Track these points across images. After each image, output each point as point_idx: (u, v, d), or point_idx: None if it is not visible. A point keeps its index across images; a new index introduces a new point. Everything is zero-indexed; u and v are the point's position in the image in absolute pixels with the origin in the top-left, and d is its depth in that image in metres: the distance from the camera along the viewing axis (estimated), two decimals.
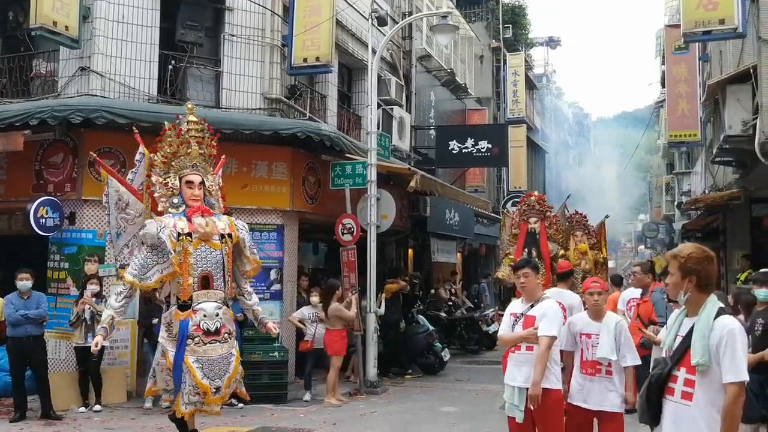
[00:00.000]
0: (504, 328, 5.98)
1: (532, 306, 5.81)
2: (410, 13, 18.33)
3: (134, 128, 7.63)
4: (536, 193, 13.07)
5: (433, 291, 18.91)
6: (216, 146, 7.03)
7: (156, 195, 6.67)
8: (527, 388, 5.56)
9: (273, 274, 12.30)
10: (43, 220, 10.66)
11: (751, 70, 11.91)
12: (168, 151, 6.73)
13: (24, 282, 9.47)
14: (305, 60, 12.71)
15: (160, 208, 6.62)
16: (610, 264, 41.18)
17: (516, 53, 29.54)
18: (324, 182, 13.32)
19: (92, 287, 9.92)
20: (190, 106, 7.04)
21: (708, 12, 12.48)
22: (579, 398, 5.79)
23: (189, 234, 6.41)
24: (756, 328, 7.11)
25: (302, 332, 11.30)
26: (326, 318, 11.13)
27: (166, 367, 6.51)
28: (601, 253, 15.34)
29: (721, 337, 3.51)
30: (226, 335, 6.55)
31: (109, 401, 10.39)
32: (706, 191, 19.97)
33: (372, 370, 12.18)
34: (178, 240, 6.36)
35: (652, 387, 3.69)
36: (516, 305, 6.05)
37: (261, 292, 12.11)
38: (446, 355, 14.28)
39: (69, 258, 11.08)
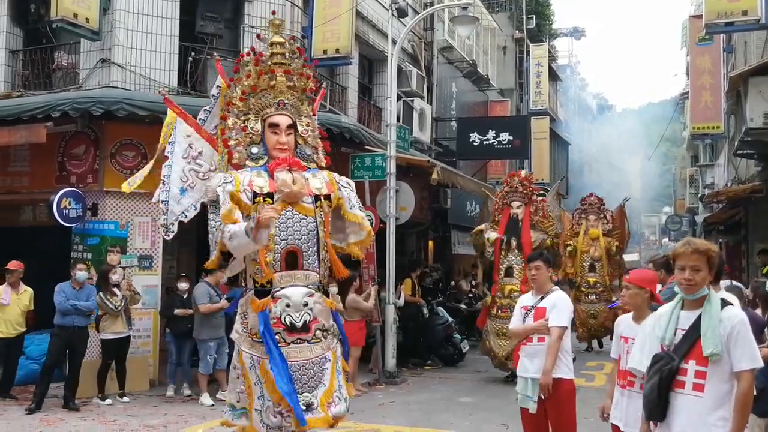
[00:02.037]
0: (515, 321, 6.04)
1: (542, 298, 5.85)
2: (431, 4, 18.29)
3: (217, 59, 6.91)
4: (523, 172, 12.45)
5: (453, 283, 18.91)
6: (312, 77, 5.50)
7: (231, 143, 5.22)
8: (539, 379, 5.60)
9: None
10: (66, 211, 10.78)
11: None
12: (246, 84, 5.28)
13: (82, 272, 9.68)
14: (325, 52, 12.76)
15: (235, 160, 5.22)
16: (634, 257, 40.97)
17: (539, 44, 29.35)
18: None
19: (115, 276, 10.03)
20: (277, 22, 5.53)
21: (731, 3, 12.36)
22: (616, 416, 4.91)
23: (270, 194, 4.92)
24: None
25: None
26: (344, 309, 11.19)
27: (240, 373, 5.06)
28: (616, 240, 14.98)
29: (732, 326, 3.59)
30: (318, 333, 4.99)
31: (132, 389, 10.52)
32: (729, 184, 19.78)
33: (391, 361, 12.23)
34: (254, 202, 4.87)
35: (663, 382, 3.70)
36: (526, 298, 6.09)
37: None
38: (465, 346, 14.29)
39: (92, 248, 11.21)
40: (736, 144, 15.55)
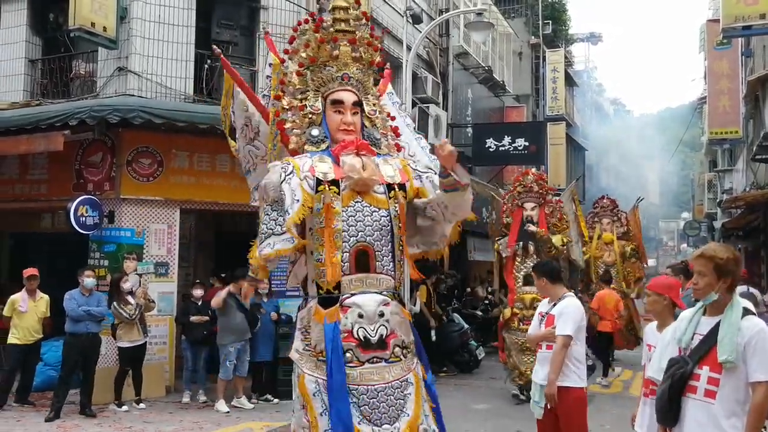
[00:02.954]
0: (532, 327, 6.09)
1: (554, 305, 5.85)
2: (447, 10, 18.30)
3: (266, 31, 6.21)
4: (533, 170, 11.68)
5: (469, 289, 18.84)
6: (381, 48, 4.72)
7: (287, 125, 4.47)
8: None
9: None
10: (83, 218, 10.87)
11: None
12: (304, 56, 4.51)
13: (90, 279, 9.71)
14: None
15: (292, 145, 4.45)
16: (651, 263, 40.69)
17: (555, 50, 29.27)
18: None
19: (126, 285, 10.07)
20: None
21: (748, 6, 12.25)
22: (640, 424, 4.73)
23: (335, 182, 4.13)
24: None
25: None
26: None
27: (302, 403, 4.13)
28: (631, 243, 14.45)
29: (751, 336, 3.53)
30: (397, 350, 4.15)
31: (148, 396, 10.55)
32: (747, 189, 19.60)
33: None
34: (317, 191, 4.08)
35: (674, 386, 3.68)
36: (543, 304, 6.12)
37: (296, 289, 12.19)
38: (481, 353, 14.23)
39: (108, 256, 11.29)
40: (754, 149, 15.42)
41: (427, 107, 16.81)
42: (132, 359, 10.09)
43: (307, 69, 4.51)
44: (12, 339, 9.84)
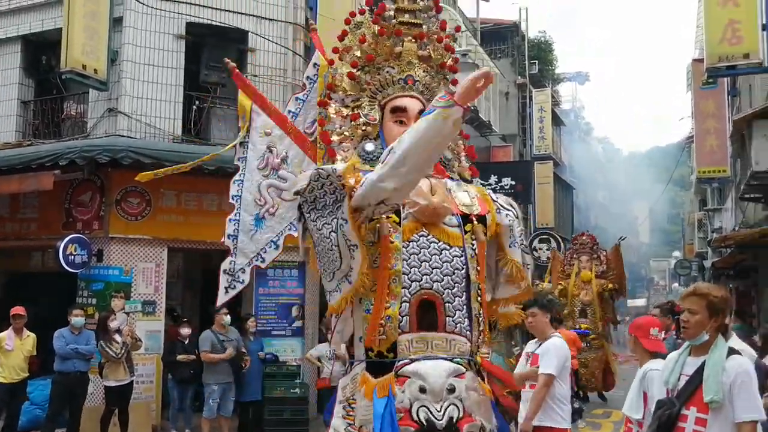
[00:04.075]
0: (518, 367, 6.13)
1: (540, 344, 5.87)
2: None
3: (313, 27, 5.36)
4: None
5: None
6: (453, 49, 3.87)
7: (334, 138, 3.63)
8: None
9: (294, 311, 12.37)
10: (72, 257, 10.89)
11: None
12: (359, 53, 3.71)
13: (78, 317, 9.74)
14: None
15: (339, 161, 3.53)
16: (641, 302, 40.61)
17: (542, 89, 29.63)
18: None
19: (113, 323, 10.02)
20: None
21: (732, 46, 12.39)
22: None
23: (396, 211, 3.22)
24: None
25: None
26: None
27: None
28: (611, 282, 14.27)
29: (736, 375, 3.54)
30: None
31: None
32: (737, 228, 19.70)
33: None
34: (372, 219, 3.15)
35: (662, 428, 3.67)
36: (530, 345, 6.15)
37: (283, 329, 12.21)
38: None
39: (97, 294, 11.30)
40: (742, 188, 15.54)
41: None
42: (118, 398, 10.02)
43: (361, 70, 3.70)
44: None
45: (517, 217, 3.59)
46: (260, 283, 12.05)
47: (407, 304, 3.13)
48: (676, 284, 52.26)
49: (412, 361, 3.11)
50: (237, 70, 4.73)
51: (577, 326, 13.50)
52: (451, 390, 3.09)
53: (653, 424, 3.72)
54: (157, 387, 11.31)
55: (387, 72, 3.66)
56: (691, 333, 3.70)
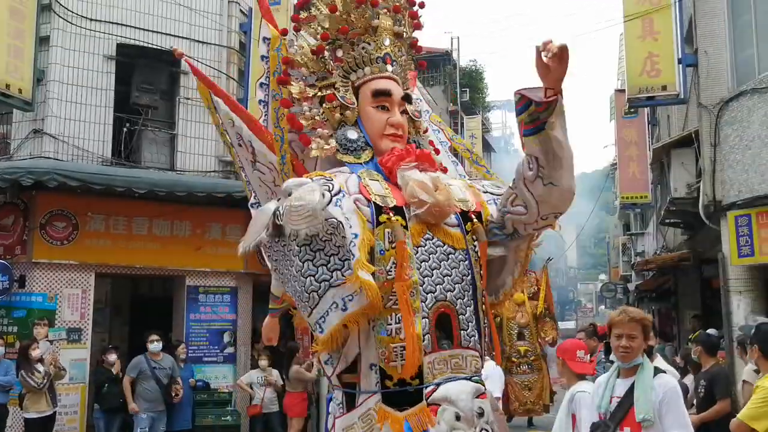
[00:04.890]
0: None
1: None
2: None
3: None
4: None
5: None
6: (421, 26, 3.34)
7: (303, 122, 3.05)
8: None
9: (226, 337, 12.20)
10: None
11: (693, 135, 12.31)
12: (327, 25, 3.13)
13: None
14: None
15: (314, 153, 3.02)
16: (569, 324, 41.40)
17: (473, 116, 30.16)
18: None
19: (35, 352, 9.65)
20: None
21: (651, 78, 12.91)
22: None
23: (399, 210, 2.77)
24: (699, 390, 7.22)
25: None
26: (287, 380, 11.04)
27: None
28: (541, 304, 14.49)
29: (664, 394, 3.68)
30: None
31: None
32: (658, 252, 20.34)
33: None
34: (378, 223, 2.72)
35: None
36: None
37: (214, 355, 12.02)
38: None
39: (18, 322, 10.92)
40: (662, 213, 16.06)
41: None
42: (40, 431, 9.64)
43: (332, 44, 3.13)
44: None
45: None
46: (192, 309, 11.86)
47: (427, 320, 2.70)
48: (603, 306, 53.53)
49: (438, 385, 2.68)
50: (187, 57, 3.97)
51: (516, 350, 13.69)
52: (480, 413, 2.72)
53: None
54: (81, 418, 10.95)
55: (363, 48, 3.09)
56: (632, 357, 3.81)
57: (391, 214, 2.71)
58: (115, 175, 10.91)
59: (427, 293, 2.72)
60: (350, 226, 2.62)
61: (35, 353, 9.62)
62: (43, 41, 11.50)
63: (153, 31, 12.36)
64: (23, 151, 11.55)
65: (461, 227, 2.89)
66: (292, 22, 3.29)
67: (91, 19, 11.90)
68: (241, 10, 13.53)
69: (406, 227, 2.73)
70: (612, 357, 4.11)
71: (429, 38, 29.34)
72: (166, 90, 12.91)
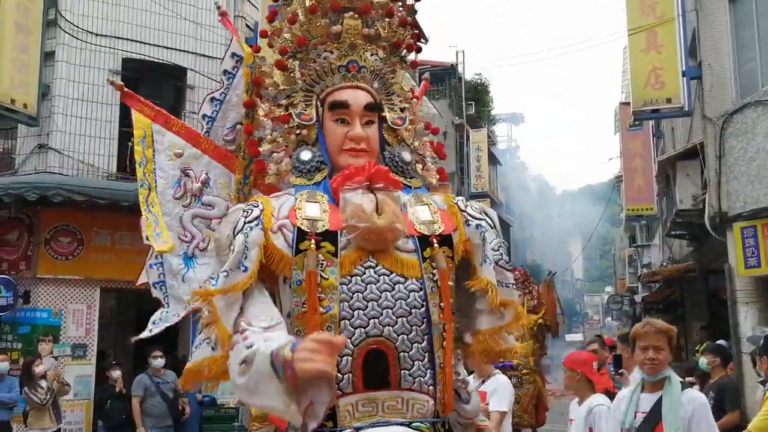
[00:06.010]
0: None
1: (483, 381, 5.88)
2: None
3: (222, 11, 3.85)
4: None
5: None
6: (414, 23, 3.05)
7: (264, 148, 2.84)
8: None
9: None
10: None
11: (698, 147, 12.31)
12: (288, 36, 2.91)
13: (2, 363, 9.27)
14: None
15: (270, 179, 2.80)
16: (577, 337, 41.25)
17: (479, 129, 30.19)
18: None
19: (39, 368, 9.62)
20: None
21: (655, 91, 12.95)
22: None
23: (331, 235, 2.47)
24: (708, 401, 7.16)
25: None
26: None
27: None
28: (543, 318, 14.44)
29: (693, 410, 3.63)
30: None
31: None
32: (664, 264, 20.28)
33: None
34: (299, 250, 2.44)
35: None
36: (470, 381, 6.11)
37: None
38: None
39: (22, 338, 10.91)
40: (668, 225, 16.04)
41: None
42: None
43: (293, 57, 2.90)
44: None
45: (492, 227, 2.74)
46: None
47: (349, 358, 2.35)
48: (609, 318, 53.34)
49: (357, 430, 2.34)
50: (126, 88, 3.62)
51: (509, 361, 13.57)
52: None
53: None
54: None
55: (324, 58, 2.82)
56: (659, 369, 3.73)
57: (312, 241, 2.42)
58: (120, 190, 10.90)
59: (356, 328, 2.38)
60: (244, 258, 2.42)
61: (38, 369, 9.57)
62: (48, 56, 11.55)
63: (158, 46, 12.43)
64: (28, 166, 11.58)
65: (418, 253, 2.51)
66: (261, 38, 3.11)
67: (97, 34, 11.97)
68: (247, 25, 13.58)
69: (335, 254, 2.43)
70: (636, 371, 4.04)
71: (434, 52, 29.43)
72: (171, 104, 12.93)
